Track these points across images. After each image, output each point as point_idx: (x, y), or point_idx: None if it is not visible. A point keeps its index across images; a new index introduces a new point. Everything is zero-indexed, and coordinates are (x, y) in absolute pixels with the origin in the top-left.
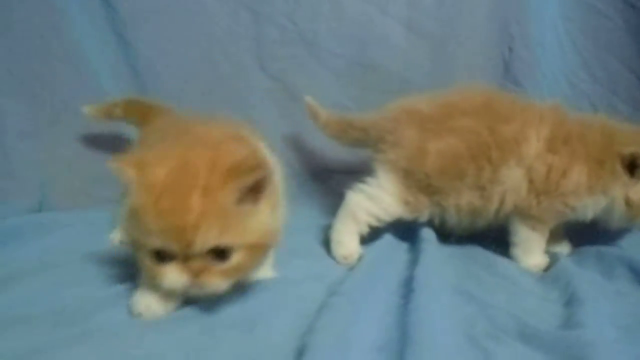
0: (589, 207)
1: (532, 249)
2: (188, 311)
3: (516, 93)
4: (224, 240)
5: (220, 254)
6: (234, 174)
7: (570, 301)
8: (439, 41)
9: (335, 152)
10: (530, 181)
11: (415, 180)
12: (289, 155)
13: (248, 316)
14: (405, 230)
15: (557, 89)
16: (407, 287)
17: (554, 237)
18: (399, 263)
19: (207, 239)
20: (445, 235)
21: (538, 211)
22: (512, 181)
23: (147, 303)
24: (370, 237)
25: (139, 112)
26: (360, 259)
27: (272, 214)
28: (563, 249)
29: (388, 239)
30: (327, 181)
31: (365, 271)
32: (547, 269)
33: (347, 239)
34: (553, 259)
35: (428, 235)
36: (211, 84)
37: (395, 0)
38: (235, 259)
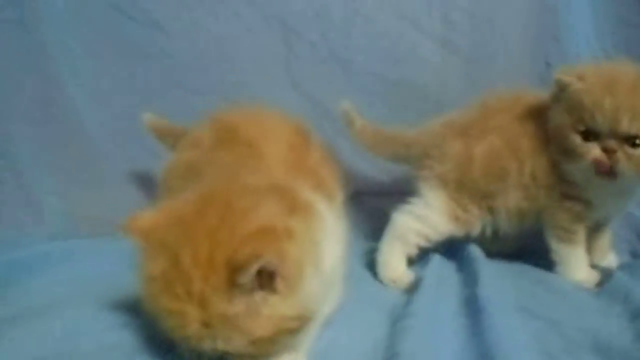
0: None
1: (574, 264)
2: None
3: None
4: (230, 346)
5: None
6: (229, 274)
7: (636, 315)
8: (472, 58)
9: (366, 171)
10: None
11: (466, 189)
12: None
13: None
14: (450, 249)
15: None
16: (471, 307)
17: (599, 249)
18: (454, 283)
19: (214, 345)
20: (491, 252)
21: (556, 221)
22: (546, 178)
23: None
24: (416, 258)
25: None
26: (417, 281)
27: (293, 297)
28: (611, 261)
29: (438, 259)
30: (359, 202)
31: (426, 293)
32: (600, 284)
33: (395, 262)
34: (605, 273)
35: (476, 253)
36: (242, 101)
37: (428, 17)
38: (251, 350)
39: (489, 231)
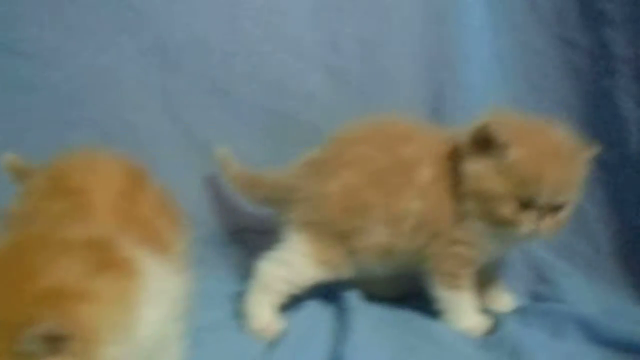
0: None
1: (461, 311)
2: None
3: None
4: None
5: None
6: (10, 339)
7: None
8: (361, 89)
9: (251, 209)
10: (425, 220)
11: (326, 230)
12: (200, 212)
13: None
14: (330, 294)
15: None
16: None
17: (490, 292)
18: (326, 336)
19: None
20: (376, 296)
21: (438, 264)
22: (414, 216)
23: None
24: (291, 304)
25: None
26: (282, 333)
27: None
28: (505, 305)
29: (312, 307)
30: (245, 241)
31: (288, 348)
32: (491, 330)
33: (261, 312)
34: (497, 319)
35: (353, 300)
36: (117, 133)
37: (315, 45)
38: None
39: (365, 274)
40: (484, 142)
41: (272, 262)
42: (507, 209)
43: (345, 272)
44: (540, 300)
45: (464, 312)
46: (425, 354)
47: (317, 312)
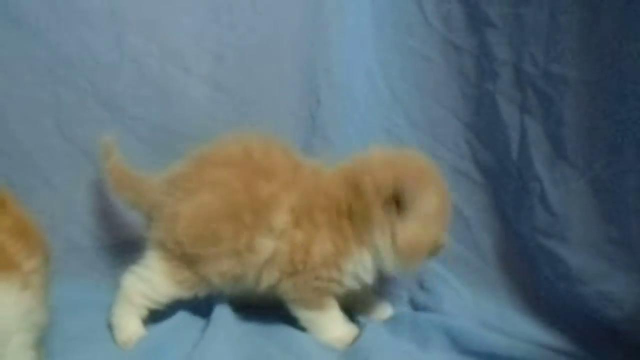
0: (351, 272)
1: (323, 326)
2: None
3: (324, 150)
4: None
5: None
6: None
7: None
8: (244, 100)
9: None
10: (278, 261)
11: (175, 252)
12: (89, 222)
13: None
14: (203, 306)
15: (373, 139)
16: None
17: (362, 303)
18: (183, 347)
19: None
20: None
21: (296, 293)
22: (265, 254)
23: None
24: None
25: None
26: (142, 340)
27: None
28: (380, 314)
29: (180, 317)
30: (130, 252)
31: (144, 355)
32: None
33: (125, 323)
34: (363, 329)
35: (221, 312)
36: (7, 149)
37: (198, 58)
38: None
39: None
40: None
41: (133, 276)
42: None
43: (202, 291)
44: (418, 308)
45: (326, 326)
46: None
47: (184, 323)
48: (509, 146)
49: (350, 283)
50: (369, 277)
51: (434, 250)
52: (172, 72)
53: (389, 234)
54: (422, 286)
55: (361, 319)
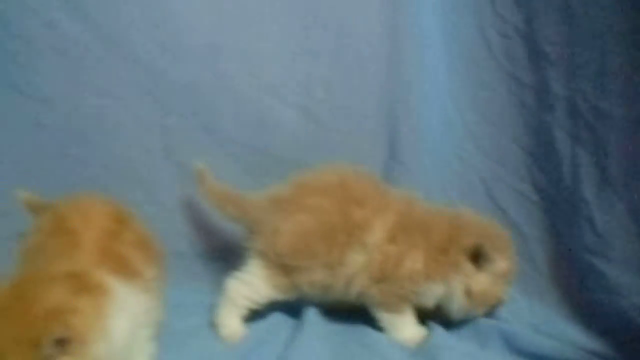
0: (427, 294)
1: (398, 326)
2: None
3: (401, 174)
4: None
5: None
6: (30, 349)
7: None
8: (331, 128)
9: (227, 232)
10: (369, 269)
11: (275, 262)
12: (189, 233)
13: None
14: (294, 307)
15: (445, 164)
16: None
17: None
18: (279, 342)
19: None
20: (334, 309)
21: (381, 298)
22: (356, 267)
23: None
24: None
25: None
26: (243, 338)
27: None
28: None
29: (274, 317)
30: (224, 259)
31: (242, 352)
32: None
33: (228, 321)
34: (431, 330)
35: (311, 314)
36: (117, 168)
37: (291, 89)
38: None
39: (316, 297)
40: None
41: (237, 280)
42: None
43: (295, 295)
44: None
45: (401, 326)
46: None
47: (278, 322)
48: (562, 172)
49: (421, 300)
50: (431, 303)
51: (496, 304)
52: (267, 101)
53: (465, 281)
54: None
55: (430, 321)
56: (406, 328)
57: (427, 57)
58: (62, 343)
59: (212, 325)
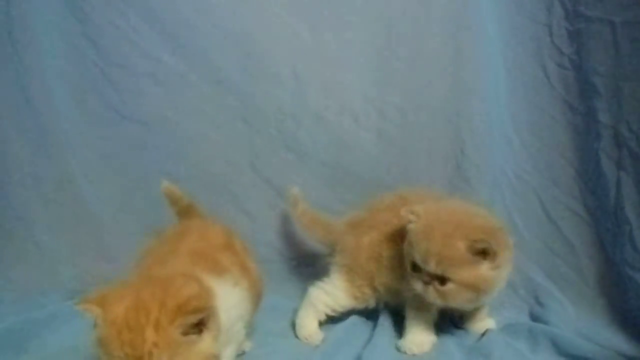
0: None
1: (414, 328)
2: None
3: (465, 191)
4: None
5: None
6: (179, 313)
7: None
8: (404, 148)
9: (311, 245)
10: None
11: (357, 272)
12: (279, 244)
13: None
14: (371, 313)
15: (506, 183)
16: None
17: (472, 319)
18: (359, 342)
19: None
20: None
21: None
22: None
23: None
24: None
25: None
26: (323, 340)
27: (213, 342)
28: (488, 324)
29: (352, 320)
30: (313, 265)
31: (324, 351)
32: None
33: (307, 323)
34: (484, 333)
35: (383, 318)
36: (211, 183)
37: (366, 112)
38: None
39: (381, 305)
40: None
41: (319, 289)
42: (408, 267)
43: (371, 304)
44: (534, 319)
45: (415, 329)
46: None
47: (357, 325)
48: (608, 194)
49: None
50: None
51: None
52: (345, 123)
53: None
54: (538, 302)
55: (466, 327)
56: (417, 331)
57: (490, 83)
58: (200, 323)
59: (293, 326)
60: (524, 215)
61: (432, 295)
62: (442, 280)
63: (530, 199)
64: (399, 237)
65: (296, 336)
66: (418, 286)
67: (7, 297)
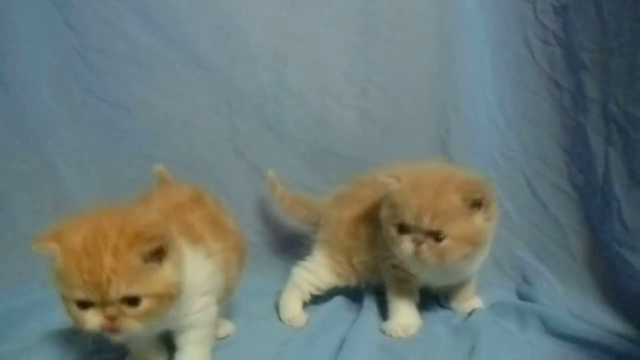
0: None
1: (397, 310)
2: None
3: None
4: (131, 291)
5: (132, 301)
6: (138, 240)
7: (473, 351)
8: (386, 126)
9: (291, 227)
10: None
11: (337, 247)
12: (262, 227)
13: None
14: (355, 295)
15: (491, 162)
16: (341, 346)
17: (458, 298)
18: (344, 324)
19: (119, 290)
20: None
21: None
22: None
23: None
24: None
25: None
26: (307, 322)
27: (175, 271)
28: (475, 304)
29: (337, 301)
30: (296, 248)
31: (308, 333)
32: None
33: (291, 305)
34: (472, 310)
35: (368, 299)
36: (193, 166)
37: (349, 91)
38: (144, 305)
39: (364, 284)
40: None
41: (302, 269)
42: (390, 232)
43: (352, 282)
44: (522, 297)
45: (398, 310)
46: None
47: (342, 306)
48: (596, 170)
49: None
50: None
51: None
52: (327, 103)
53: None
54: (526, 280)
55: (453, 306)
56: (401, 313)
57: (475, 62)
58: (159, 251)
59: (276, 307)
60: (511, 193)
61: (427, 254)
62: (437, 237)
63: (517, 177)
64: (376, 214)
65: (280, 318)
66: (408, 248)
67: None
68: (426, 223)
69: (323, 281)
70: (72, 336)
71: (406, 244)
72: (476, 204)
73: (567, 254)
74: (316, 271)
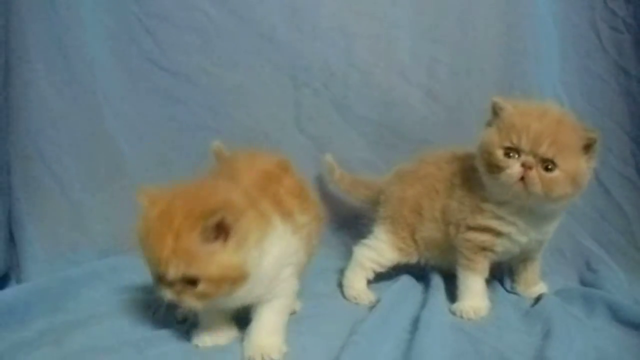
0: None
1: (468, 291)
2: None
3: None
4: (188, 272)
5: (191, 281)
6: (201, 219)
7: (547, 335)
8: (451, 106)
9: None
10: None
11: (400, 224)
12: (322, 205)
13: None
14: (420, 274)
15: None
16: (414, 326)
17: (524, 281)
18: (413, 303)
19: (177, 270)
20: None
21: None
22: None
23: (202, 336)
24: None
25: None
26: (378, 300)
27: (238, 253)
28: (541, 289)
29: (405, 280)
30: (353, 226)
31: (381, 311)
32: (535, 303)
33: (355, 283)
34: (540, 296)
35: (436, 279)
36: (254, 139)
37: (416, 70)
38: (201, 287)
39: (423, 261)
40: (493, 114)
41: (364, 247)
42: (496, 155)
43: (414, 258)
44: (585, 284)
45: (470, 292)
46: (480, 320)
47: (409, 285)
48: None
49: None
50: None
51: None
52: (393, 80)
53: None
54: (589, 268)
55: (519, 291)
56: (472, 295)
57: (542, 47)
58: (222, 228)
59: (340, 286)
60: None
61: (535, 180)
62: (547, 166)
63: None
64: (442, 189)
65: (344, 297)
66: (515, 172)
67: (41, 256)
68: (544, 148)
69: (385, 257)
70: (127, 306)
71: (514, 168)
72: (588, 146)
73: (630, 242)
74: (378, 248)
